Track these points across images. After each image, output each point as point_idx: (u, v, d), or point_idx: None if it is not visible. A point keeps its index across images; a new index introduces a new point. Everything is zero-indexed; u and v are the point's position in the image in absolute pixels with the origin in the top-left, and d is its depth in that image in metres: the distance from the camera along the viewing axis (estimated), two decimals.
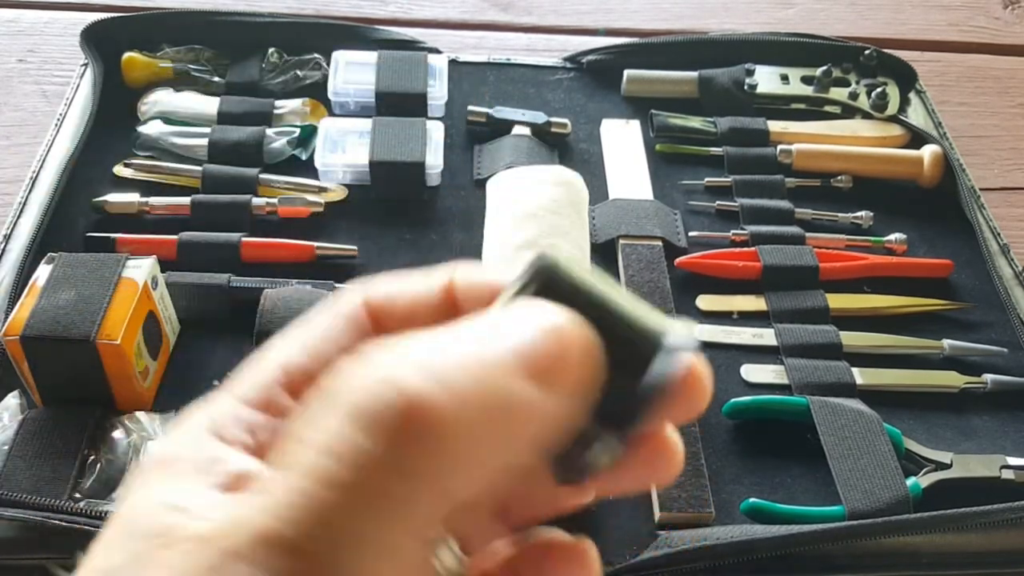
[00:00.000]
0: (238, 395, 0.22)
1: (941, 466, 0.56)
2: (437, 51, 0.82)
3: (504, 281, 0.22)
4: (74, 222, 0.66)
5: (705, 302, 0.66)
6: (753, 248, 0.69)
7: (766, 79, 0.82)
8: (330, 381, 0.19)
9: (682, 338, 0.21)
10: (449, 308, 0.23)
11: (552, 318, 0.20)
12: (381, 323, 0.23)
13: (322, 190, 0.70)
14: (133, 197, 0.67)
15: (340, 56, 0.78)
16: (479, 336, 0.20)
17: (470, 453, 0.19)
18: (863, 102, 0.80)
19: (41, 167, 0.68)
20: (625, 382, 0.20)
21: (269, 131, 0.73)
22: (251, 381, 0.23)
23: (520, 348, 0.19)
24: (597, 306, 0.20)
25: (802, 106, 0.82)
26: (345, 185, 0.71)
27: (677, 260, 0.67)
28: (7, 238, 0.64)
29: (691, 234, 0.71)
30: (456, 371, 0.19)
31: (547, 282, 0.21)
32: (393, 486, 0.18)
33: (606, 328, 0.20)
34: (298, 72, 0.78)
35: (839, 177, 0.76)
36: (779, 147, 0.77)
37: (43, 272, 0.54)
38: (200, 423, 0.22)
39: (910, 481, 0.55)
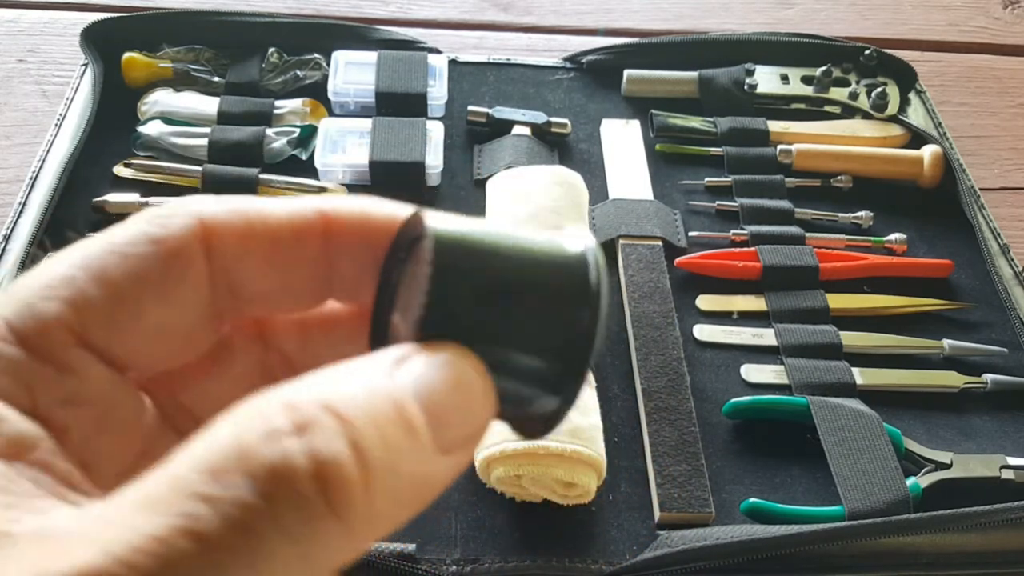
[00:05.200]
0: (10, 324, 0.18)
1: (941, 466, 0.56)
2: (437, 51, 0.82)
3: (381, 216, 0.20)
4: (74, 222, 0.66)
5: (705, 302, 0.66)
6: (753, 248, 0.69)
7: (766, 79, 0.82)
8: (225, 417, 0.16)
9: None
10: (323, 247, 0.20)
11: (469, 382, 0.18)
12: (222, 253, 0.19)
13: (322, 190, 0.70)
14: (133, 197, 0.67)
15: (340, 56, 0.78)
16: (395, 393, 0.17)
17: (373, 527, 0.16)
18: (863, 102, 0.80)
19: (41, 167, 0.68)
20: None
21: (269, 131, 0.73)
22: (27, 310, 0.18)
23: (439, 427, 0.17)
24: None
25: (802, 106, 0.82)
26: (345, 185, 0.71)
27: (677, 260, 0.67)
28: (7, 238, 0.64)
29: (691, 234, 0.71)
30: (375, 439, 0.16)
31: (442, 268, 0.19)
32: (275, 550, 0.15)
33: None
34: (298, 72, 0.78)
35: (839, 177, 0.76)
36: (779, 147, 0.77)
37: None
38: None
39: (910, 481, 0.55)
